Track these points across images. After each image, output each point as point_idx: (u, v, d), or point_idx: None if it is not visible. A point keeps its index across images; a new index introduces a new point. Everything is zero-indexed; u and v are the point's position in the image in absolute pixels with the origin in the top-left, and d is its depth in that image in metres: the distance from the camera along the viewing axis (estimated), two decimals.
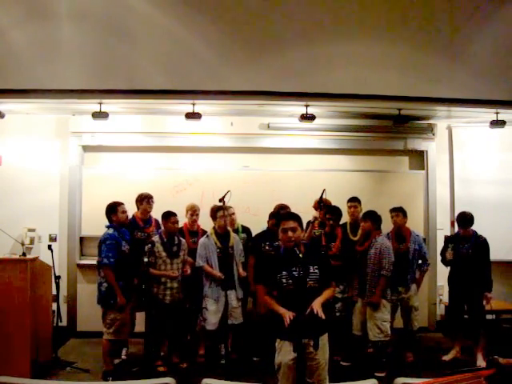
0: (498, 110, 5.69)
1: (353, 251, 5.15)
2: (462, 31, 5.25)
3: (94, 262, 5.48)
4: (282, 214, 3.50)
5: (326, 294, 3.24)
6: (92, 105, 5.53)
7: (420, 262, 5.40)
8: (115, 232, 4.76)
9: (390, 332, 4.90)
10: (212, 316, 5.10)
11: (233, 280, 5.13)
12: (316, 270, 3.25)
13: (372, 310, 4.88)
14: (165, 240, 5.05)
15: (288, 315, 3.02)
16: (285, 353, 3.16)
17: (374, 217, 5.01)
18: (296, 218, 3.34)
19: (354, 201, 5.53)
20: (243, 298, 5.30)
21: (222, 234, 5.18)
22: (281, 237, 3.31)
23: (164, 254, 5.01)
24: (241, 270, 5.19)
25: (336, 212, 5.26)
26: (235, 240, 5.23)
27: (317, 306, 3.04)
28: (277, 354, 3.24)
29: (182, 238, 5.21)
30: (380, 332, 4.84)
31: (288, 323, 2.99)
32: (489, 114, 5.82)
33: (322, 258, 3.42)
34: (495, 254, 5.34)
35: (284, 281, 3.20)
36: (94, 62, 4.91)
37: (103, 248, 4.68)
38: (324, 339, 3.25)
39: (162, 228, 5.18)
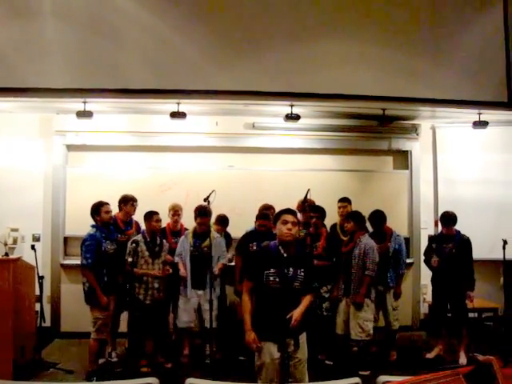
0: (481, 111, 5.77)
1: (339, 252, 5.18)
2: (445, 33, 5.31)
3: (77, 261, 5.42)
4: (282, 209, 3.51)
5: (306, 302, 3.30)
6: (76, 104, 5.49)
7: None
8: (97, 232, 4.73)
9: (372, 332, 4.93)
10: (182, 314, 5.15)
11: (204, 280, 5.10)
12: (302, 273, 3.28)
13: (356, 310, 4.91)
14: (148, 239, 5.04)
15: (254, 344, 3.17)
16: (266, 354, 3.18)
17: (356, 217, 5.05)
18: (295, 214, 3.40)
19: (344, 201, 5.60)
20: (222, 300, 5.30)
21: (200, 234, 5.18)
22: (279, 228, 3.31)
23: (147, 253, 5.00)
24: (215, 268, 5.11)
25: (320, 211, 5.28)
26: (216, 241, 5.17)
27: (297, 316, 3.14)
28: (257, 356, 3.25)
29: (163, 239, 5.21)
30: (362, 331, 4.87)
31: (255, 349, 3.18)
32: (472, 114, 5.90)
33: (307, 262, 3.46)
34: (478, 253, 5.41)
35: (271, 278, 3.21)
36: (79, 60, 4.88)
37: (83, 249, 4.67)
38: (303, 338, 3.30)
39: (144, 228, 5.15)
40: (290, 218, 3.30)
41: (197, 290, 5.14)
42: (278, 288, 3.19)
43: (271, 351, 3.16)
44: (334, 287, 5.19)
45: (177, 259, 5.19)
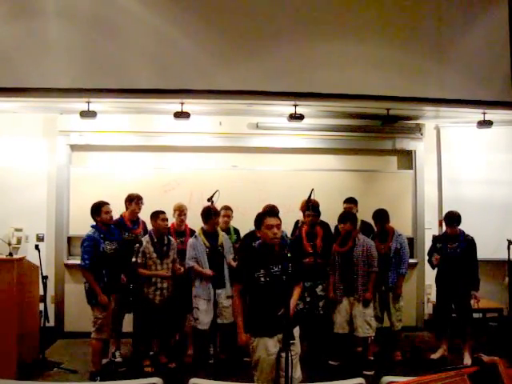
0: (485, 111, 5.74)
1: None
2: (449, 32, 5.30)
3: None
4: (265, 212, 3.54)
5: (297, 293, 3.45)
6: (80, 104, 5.49)
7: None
8: (95, 233, 4.74)
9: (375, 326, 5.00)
10: (204, 315, 5.09)
11: (223, 278, 5.12)
12: (291, 268, 3.36)
13: (363, 307, 4.92)
14: (155, 240, 5.02)
15: (247, 344, 3.27)
16: (263, 349, 3.23)
17: (352, 218, 5.06)
18: (277, 215, 3.46)
19: (350, 202, 5.56)
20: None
21: (211, 233, 5.16)
22: (265, 233, 3.34)
23: (154, 254, 4.98)
24: (232, 263, 5.16)
25: (315, 210, 5.24)
26: (224, 238, 5.22)
27: (292, 308, 3.27)
28: (253, 351, 3.30)
29: (171, 238, 5.19)
30: (370, 328, 4.92)
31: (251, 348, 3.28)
32: (476, 114, 5.87)
33: (294, 255, 3.52)
34: (482, 253, 5.38)
35: (262, 279, 3.27)
36: (83, 60, 4.88)
37: (81, 250, 4.70)
38: (297, 332, 3.37)
39: (152, 228, 5.13)
40: (273, 221, 3.34)
41: (217, 289, 5.12)
42: (270, 286, 3.25)
43: (267, 347, 3.22)
44: (328, 287, 5.14)
45: (191, 263, 5.11)
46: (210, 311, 5.06)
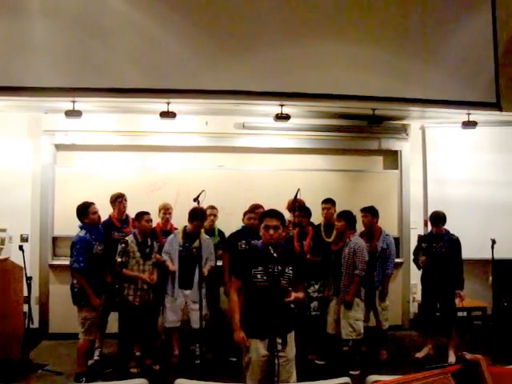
0: (470, 111, 5.80)
1: (327, 251, 5.17)
2: (435, 34, 5.35)
3: (66, 262, 5.38)
4: (266, 211, 3.52)
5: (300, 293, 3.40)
6: (65, 103, 5.44)
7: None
8: (87, 234, 4.67)
9: (362, 331, 4.95)
10: (169, 313, 5.12)
11: (191, 281, 5.09)
12: (290, 271, 3.30)
13: (345, 309, 4.91)
14: (140, 240, 5.00)
15: (243, 343, 3.19)
16: (253, 351, 3.20)
17: (348, 217, 5.04)
18: (280, 216, 3.39)
19: (328, 202, 5.54)
20: (214, 301, 5.30)
21: (190, 234, 5.16)
22: (263, 232, 3.33)
23: (138, 254, 4.96)
24: (204, 270, 5.02)
25: (305, 210, 5.28)
26: (205, 242, 5.14)
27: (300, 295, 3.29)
28: (244, 353, 3.27)
29: (154, 241, 5.16)
30: (353, 331, 4.88)
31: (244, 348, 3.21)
32: (461, 114, 5.93)
33: (296, 259, 3.47)
34: (467, 253, 5.44)
35: (259, 276, 3.23)
36: (68, 59, 4.85)
37: (74, 252, 4.60)
38: (291, 336, 3.32)
39: (136, 228, 5.11)
40: (272, 222, 3.30)
41: (183, 289, 5.12)
42: (266, 286, 3.20)
43: (258, 348, 3.19)
44: (325, 286, 5.19)
45: (165, 257, 5.16)
46: (176, 310, 5.09)
